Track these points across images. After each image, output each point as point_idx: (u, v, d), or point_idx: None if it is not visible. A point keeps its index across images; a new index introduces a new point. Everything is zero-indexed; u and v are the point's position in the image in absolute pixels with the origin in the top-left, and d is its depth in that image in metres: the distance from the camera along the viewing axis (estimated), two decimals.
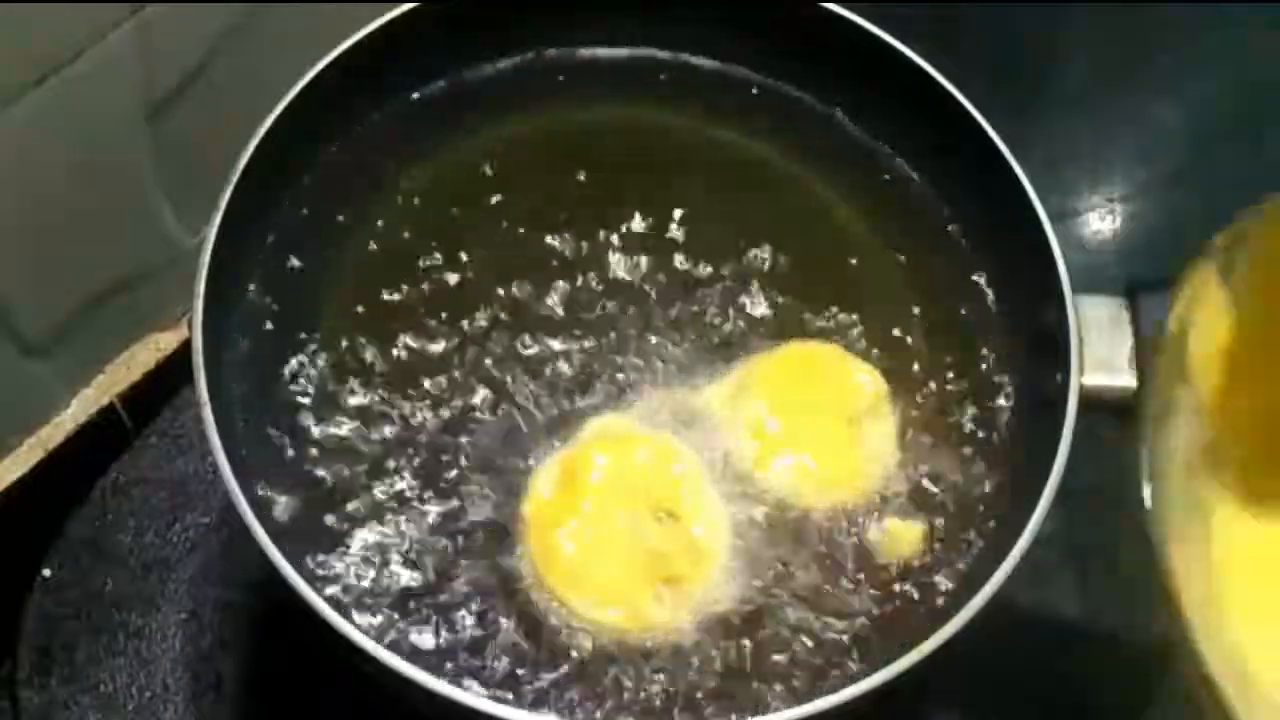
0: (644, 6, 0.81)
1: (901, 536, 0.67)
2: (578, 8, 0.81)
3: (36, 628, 0.83)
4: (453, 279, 0.73)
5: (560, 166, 0.78)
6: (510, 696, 0.62)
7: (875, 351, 0.72)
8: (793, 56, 0.81)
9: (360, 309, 0.72)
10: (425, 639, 0.63)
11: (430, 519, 0.66)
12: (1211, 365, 0.68)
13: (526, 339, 0.72)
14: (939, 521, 0.68)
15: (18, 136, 0.73)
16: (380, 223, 0.75)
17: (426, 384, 0.70)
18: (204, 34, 0.82)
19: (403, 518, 0.66)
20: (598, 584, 0.64)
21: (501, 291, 0.73)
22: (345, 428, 0.69)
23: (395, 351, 0.71)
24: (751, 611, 0.65)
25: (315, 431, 0.68)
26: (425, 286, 0.73)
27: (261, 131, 0.71)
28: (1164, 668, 0.84)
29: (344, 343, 0.71)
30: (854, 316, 0.74)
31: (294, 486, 0.67)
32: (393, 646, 0.62)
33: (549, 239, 0.75)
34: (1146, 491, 0.62)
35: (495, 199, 0.77)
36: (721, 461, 0.68)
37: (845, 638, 0.65)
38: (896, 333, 0.73)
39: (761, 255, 0.76)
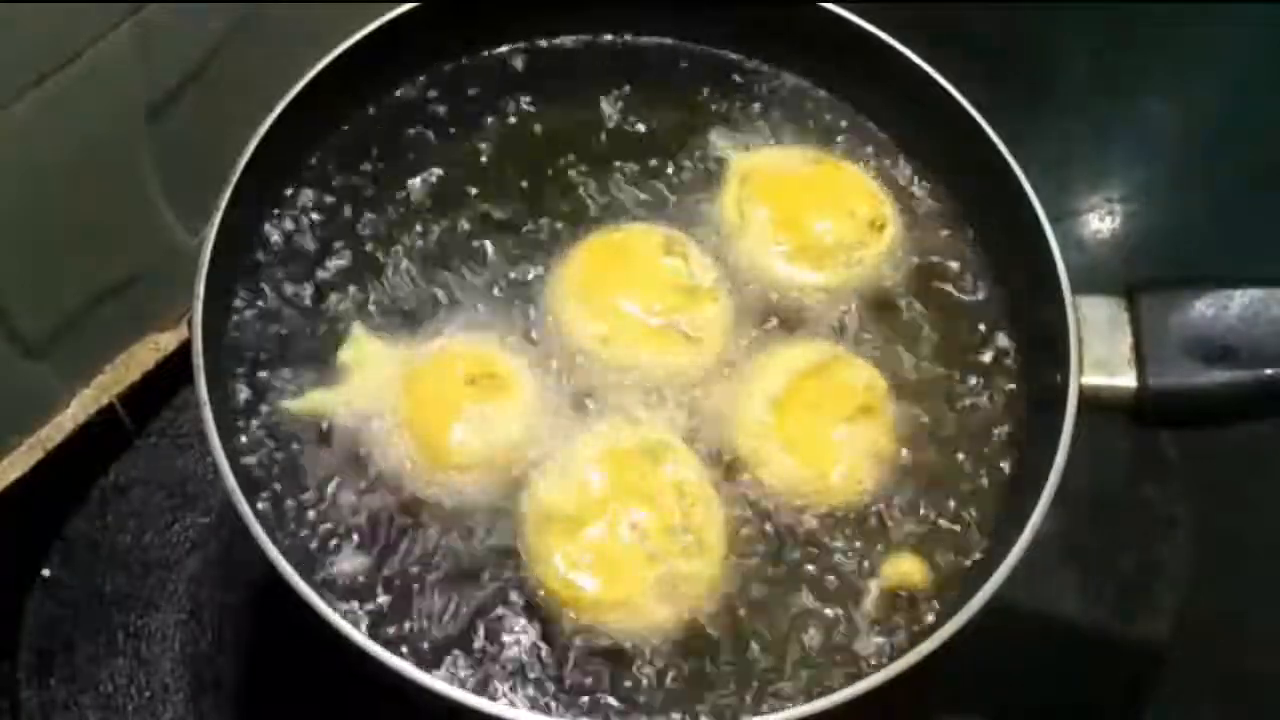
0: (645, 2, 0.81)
1: (903, 569, 0.67)
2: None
3: (36, 628, 0.83)
4: (454, 278, 0.73)
5: (564, 157, 0.78)
6: (509, 695, 0.62)
7: (874, 351, 0.72)
8: (796, 55, 0.81)
9: (362, 308, 0.72)
10: (425, 639, 0.63)
11: (431, 519, 0.66)
12: None
13: (533, 335, 0.72)
14: (938, 521, 0.68)
15: (18, 136, 0.73)
16: (382, 221, 0.75)
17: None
18: (204, 34, 0.82)
19: (404, 519, 0.66)
20: (597, 583, 0.64)
21: (504, 289, 0.73)
22: (346, 429, 0.69)
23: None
24: (750, 610, 0.65)
25: (315, 432, 0.68)
26: (429, 284, 0.73)
27: (261, 131, 0.71)
28: (1164, 668, 0.85)
29: (345, 343, 0.71)
30: (856, 317, 0.74)
31: (294, 486, 0.67)
32: (392, 646, 0.62)
33: (550, 235, 0.75)
34: None
35: (495, 192, 0.76)
36: (722, 461, 0.68)
37: (844, 637, 0.65)
38: (896, 332, 0.73)
39: None
